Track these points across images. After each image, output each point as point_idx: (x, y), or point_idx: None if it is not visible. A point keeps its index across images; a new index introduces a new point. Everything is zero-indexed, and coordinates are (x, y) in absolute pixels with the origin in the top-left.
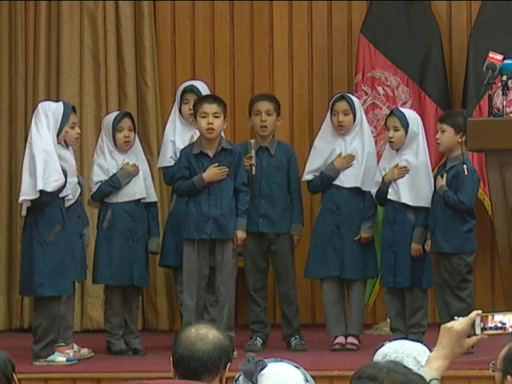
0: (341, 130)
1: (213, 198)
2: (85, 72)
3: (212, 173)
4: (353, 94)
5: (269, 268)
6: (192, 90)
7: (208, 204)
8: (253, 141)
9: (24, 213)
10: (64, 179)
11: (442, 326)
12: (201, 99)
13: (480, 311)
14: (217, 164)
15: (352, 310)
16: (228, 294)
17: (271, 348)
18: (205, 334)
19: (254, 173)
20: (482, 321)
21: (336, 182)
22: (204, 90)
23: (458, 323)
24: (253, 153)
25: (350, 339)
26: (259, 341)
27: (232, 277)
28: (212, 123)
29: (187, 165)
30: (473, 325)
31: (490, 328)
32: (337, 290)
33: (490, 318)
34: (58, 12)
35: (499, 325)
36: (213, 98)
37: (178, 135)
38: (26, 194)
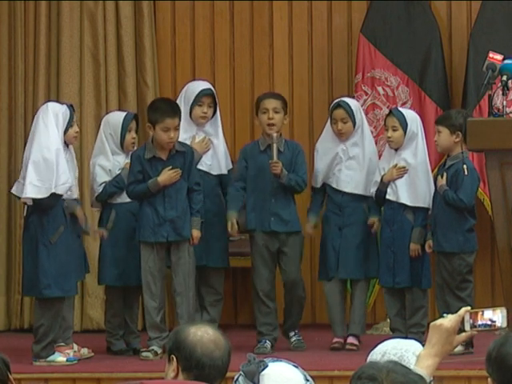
0: (341, 136)
1: (168, 201)
2: (85, 72)
3: (167, 176)
4: (351, 97)
5: (276, 268)
6: (212, 94)
7: (163, 207)
8: (275, 135)
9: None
10: (71, 181)
11: (431, 324)
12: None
13: (469, 308)
14: (170, 167)
15: (355, 310)
16: (186, 295)
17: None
18: (218, 341)
19: (277, 172)
20: (471, 317)
21: (336, 187)
22: (215, 92)
23: (448, 320)
24: (274, 147)
25: (351, 339)
26: (269, 343)
27: (190, 277)
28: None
29: (140, 169)
30: (462, 321)
31: (479, 326)
32: (339, 291)
33: (479, 314)
34: (58, 12)
35: (489, 322)
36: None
37: (180, 134)
38: (32, 192)
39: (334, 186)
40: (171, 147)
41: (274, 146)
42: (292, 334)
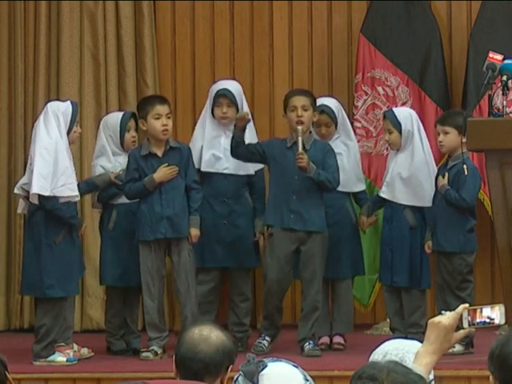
0: (324, 139)
1: (164, 198)
2: (85, 72)
3: (163, 173)
4: (332, 97)
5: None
6: (225, 94)
7: (160, 204)
8: (300, 128)
9: (20, 210)
10: (74, 182)
11: (430, 321)
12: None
13: (467, 305)
14: (167, 164)
15: (340, 309)
16: (189, 294)
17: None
18: (208, 336)
19: (302, 165)
20: (469, 314)
21: None
22: (238, 92)
23: (446, 318)
24: (300, 140)
25: (337, 338)
26: (266, 342)
27: (191, 276)
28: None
29: (136, 167)
30: (460, 319)
31: (478, 323)
32: (324, 292)
33: (477, 311)
34: (58, 12)
35: (487, 320)
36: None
37: (206, 139)
38: (36, 187)
39: None
40: (166, 137)
41: (300, 138)
42: (306, 344)
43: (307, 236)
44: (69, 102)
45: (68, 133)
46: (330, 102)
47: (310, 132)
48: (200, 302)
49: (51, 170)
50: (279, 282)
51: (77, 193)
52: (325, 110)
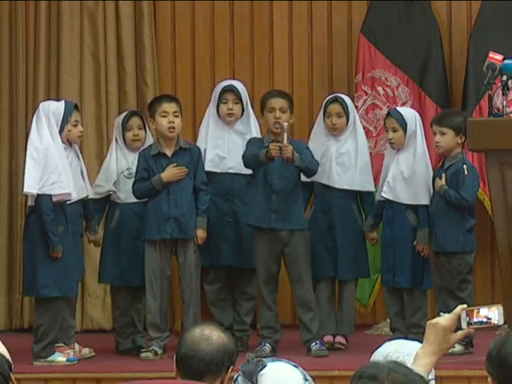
0: (334, 131)
1: (172, 198)
2: (85, 72)
3: (170, 173)
4: (346, 95)
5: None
6: (232, 90)
7: (168, 204)
8: (286, 124)
9: (30, 202)
10: (66, 180)
11: (428, 322)
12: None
13: (465, 305)
14: (175, 164)
15: (343, 310)
16: (192, 295)
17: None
18: (209, 335)
19: (288, 155)
20: (467, 315)
21: (327, 183)
22: (243, 91)
23: (444, 319)
24: (285, 136)
25: (339, 338)
26: (268, 347)
27: (195, 277)
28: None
29: (145, 166)
30: (459, 319)
31: (476, 323)
32: (328, 290)
33: (475, 312)
34: (58, 12)
35: (485, 320)
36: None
37: (210, 139)
38: (26, 186)
39: (325, 182)
40: (173, 134)
41: (285, 134)
42: (313, 344)
43: (289, 236)
44: (62, 102)
45: (60, 132)
46: (344, 96)
47: None
48: (212, 301)
49: (40, 169)
50: (268, 283)
51: (68, 191)
52: (337, 99)
